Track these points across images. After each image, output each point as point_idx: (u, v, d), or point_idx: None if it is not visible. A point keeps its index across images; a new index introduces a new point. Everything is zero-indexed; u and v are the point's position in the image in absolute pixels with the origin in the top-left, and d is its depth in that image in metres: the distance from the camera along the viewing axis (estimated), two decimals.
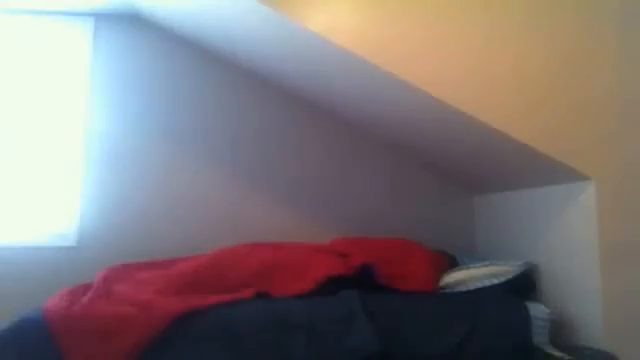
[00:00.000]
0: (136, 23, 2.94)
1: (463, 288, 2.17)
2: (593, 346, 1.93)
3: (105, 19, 2.93)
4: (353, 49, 1.96)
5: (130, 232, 2.81)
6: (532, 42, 2.08)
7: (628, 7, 2.12)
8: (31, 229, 2.76)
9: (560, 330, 2.07)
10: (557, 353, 1.88)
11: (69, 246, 2.75)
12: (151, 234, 2.83)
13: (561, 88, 2.07)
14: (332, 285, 2.10)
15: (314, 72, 2.53)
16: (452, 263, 2.49)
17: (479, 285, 2.17)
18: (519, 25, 2.09)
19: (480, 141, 2.22)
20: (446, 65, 2.02)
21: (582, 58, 2.09)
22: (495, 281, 2.17)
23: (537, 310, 2.03)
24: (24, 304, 2.00)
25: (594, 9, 2.12)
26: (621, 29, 2.12)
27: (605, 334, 1.93)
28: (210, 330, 1.79)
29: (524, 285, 2.23)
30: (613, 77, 2.09)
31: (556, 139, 2.03)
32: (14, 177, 2.79)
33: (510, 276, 2.18)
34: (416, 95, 2.04)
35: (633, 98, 2.08)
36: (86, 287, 2.14)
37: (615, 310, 1.93)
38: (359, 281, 2.14)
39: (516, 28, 2.08)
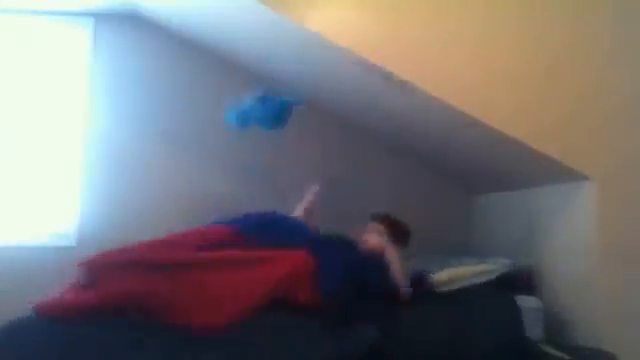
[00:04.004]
0: (136, 23, 2.94)
1: (453, 287, 2.16)
2: (593, 346, 1.93)
3: (105, 19, 2.93)
4: (353, 49, 1.96)
5: (130, 232, 2.78)
6: (532, 41, 2.08)
7: (628, 4, 2.12)
8: (31, 229, 2.77)
9: (560, 330, 2.07)
10: (556, 353, 1.88)
11: (69, 246, 2.75)
12: (151, 234, 2.81)
13: (561, 87, 2.07)
14: None
15: (313, 72, 2.53)
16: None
17: (469, 283, 2.16)
18: (519, 24, 2.09)
19: (480, 141, 2.22)
20: (446, 65, 2.02)
21: (582, 57, 2.09)
22: (484, 279, 2.16)
23: (527, 301, 2.03)
24: (24, 304, 1.99)
25: (594, 7, 2.11)
26: (622, 27, 2.11)
27: (605, 334, 1.93)
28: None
29: (520, 284, 2.22)
30: (613, 77, 2.09)
31: (556, 139, 2.03)
32: (14, 177, 2.79)
33: (498, 273, 2.17)
34: (416, 95, 2.04)
35: (633, 97, 2.08)
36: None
37: (614, 309, 1.93)
38: None
39: (516, 27, 2.08)
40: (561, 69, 2.07)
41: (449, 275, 2.19)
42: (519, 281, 2.23)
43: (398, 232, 2.41)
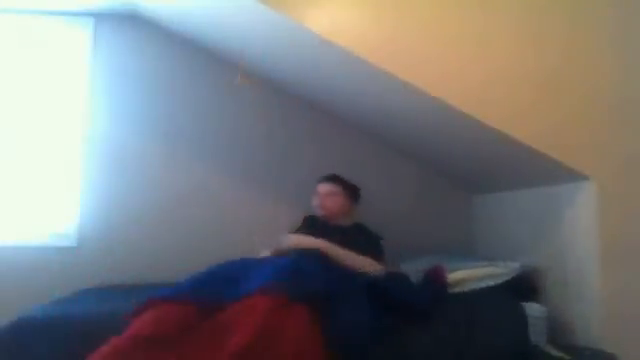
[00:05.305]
0: (136, 23, 2.94)
1: (459, 289, 2.17)
2: (593, 346, 1.93)
3: (105, 19, 2.93)
4: (353, 49, 1.96)
5: (130, 232, 2.81)
6: (532, 41, 2.07)
7: (627, 4, 2.12)
8: (31, 229, 2.77)
9: (560, 330, 2.07)
10: (556, 353, 1.88)
11: (69, 246, 2.75)
12: (151, 234, 2.83)
13: (561, 87, 2.06)
14: None
15: (314, 72, 2.53)
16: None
17: (475, 286, 2.16)
18: (518, 24, 2.08)
19: (480, 141, 2.22)
20: (445, 65, 2.02)
21: (582, 57, 2.09)
22: (491, 283, 2.17)
23: (533, 309, 2.03)
24: (24, 304, 2.00)
25: (593, 7, 2.11)
26: (622, 27, 2.11)
27: (605, 334, 1.93)
28: None
29: (524, 287, 2.22)
30: (613, 76, 2.08)
31: (556, 139, 2.02)
32: (15, 177, 2.80)
33: (507, 278, 2.18)
34: (416, 95, 2.04)
35: (633, 97, 2.08)
36: None
37: (615, 310, 1.93)
38: None
39: (515, 28, 2.08)
40: (561, 69, 2.07)
41: (463, 276, 2.19)
42: (524, 284, 2.23)
43: (354, 190, 2.48)
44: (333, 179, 2.46)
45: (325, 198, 2.42)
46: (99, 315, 1.83)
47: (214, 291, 1.66)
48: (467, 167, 2.79)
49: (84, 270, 2.69)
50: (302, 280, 1.68)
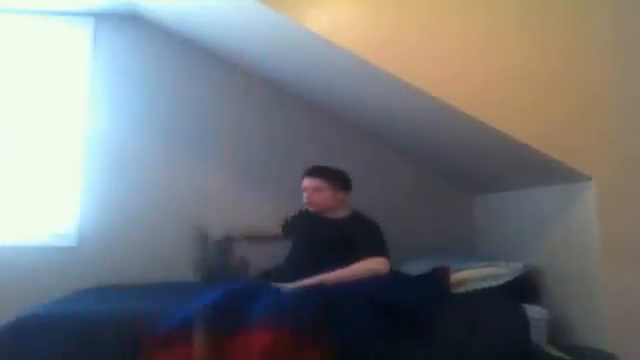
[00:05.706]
0: (136, 23, 2.94)
1: (461, 289, 2.16)
2: (593, 346, 1.93)
3: (105, 19, 2.93)
4: (354, 50, 1.96)
5: (130, 232, 2.81)
6: (532, 42, 2.07)
7: (628, 6, 2.12)
8: (31, 229, 2.77)
9: (560, 330, 2.07)
10: (557, 353, 1.88)
11: (69, 246, 2.75)
12: (151, 234, 2.83)
13: (561, 88, 2.06)
14: None
15: (314, 72, 2.53)
16: None
17: (477, 287, 2.16)
18: (519, 25, 2.08)
19: (480, 141, 2.22)
20: (446, 65, 2.02)
21: (582, 57, 2.09)
22: (493, 283, 2.16)
23: (534, 311, 2.02)
24: (24, 304, 1.99)
25: (594, 8, 2.11)
26: (622, 28, 2.11)
27: (605, 334, 1.93)
28: None
29: (525, 288, 2.21)
30: (613, 77, 2.08)
31: (556, 139, 2.02)
32: (15, 177, 2.79)
33: (509, 278, 2.17)
34: (417, 96, 2.04)
35: (633, 97, 2.08)
36: None
37: (615, 310, 1.93)
38: None
39: (516, 28, 2.08)
40: (562, 70, 2.07)
41: (465, 276, 2.18)
42: (526, 285, 2.22)
43: (342, 179, 2.31)
44: (317, 172, 2.29)
45: (312, 194, 2.26)
46: (99, 315, 1.83)
47: (222, 319, 1.68)
48: (468, 167, 2.78)
49: (84, 270, 2.69)
50: (301, 309, 1.71)
